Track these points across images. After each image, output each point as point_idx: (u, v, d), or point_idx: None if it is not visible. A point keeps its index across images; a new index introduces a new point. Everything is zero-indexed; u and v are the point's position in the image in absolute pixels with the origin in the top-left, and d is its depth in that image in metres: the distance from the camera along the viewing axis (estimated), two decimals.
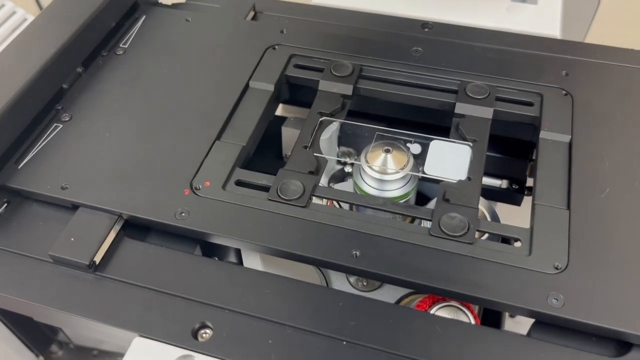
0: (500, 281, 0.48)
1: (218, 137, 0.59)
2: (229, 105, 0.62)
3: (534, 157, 0.66)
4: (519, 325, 0.58)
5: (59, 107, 0.63)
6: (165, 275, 0.51)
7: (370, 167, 0.57)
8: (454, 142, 0.58)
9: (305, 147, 0.59)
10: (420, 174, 0.57)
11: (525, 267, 0.49)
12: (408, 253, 0.50)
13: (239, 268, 0.54)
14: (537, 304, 0.46)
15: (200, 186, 0.55)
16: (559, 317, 0.46)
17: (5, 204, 0.57)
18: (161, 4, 0.79)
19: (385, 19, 0.74)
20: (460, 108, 0.62)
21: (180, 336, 0.47)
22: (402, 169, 0.57)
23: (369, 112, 0.69)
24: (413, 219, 0.60)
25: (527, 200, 0.70)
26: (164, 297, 0.49)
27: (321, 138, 0.60)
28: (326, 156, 0.59)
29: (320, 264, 0.54)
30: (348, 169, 0.69)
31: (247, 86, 0.65)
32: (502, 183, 0.70)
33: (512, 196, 0.70)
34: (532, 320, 0.48)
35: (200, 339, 0.47)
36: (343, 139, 0.68)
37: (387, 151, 0.57)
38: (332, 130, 0.62)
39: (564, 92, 0.63)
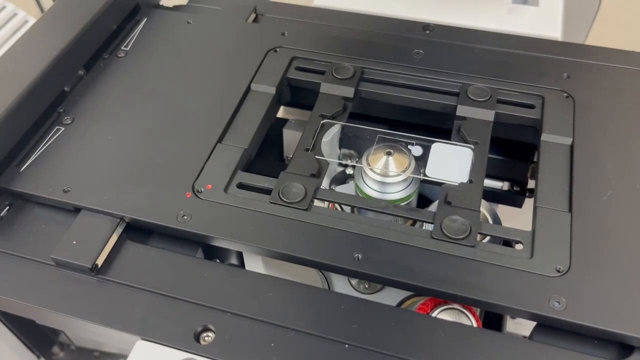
0: (502, 284, 0.48)
1: (220, 140, 0.59)
2: (231, 108, 0.62)
3: (535, 160, 0.66)
4: (519, 325, 0.58)
5: (61, 110, 0.63)
6: (167, 278, 0.51)
7: (371, 169, 0.57)
8: (456, 144, 0.58)
9: (307, 149, 0.59)
10: (421, 177, 0.57)
11: (527, 270, 0.49)
12: (410, 256, 0.50)
13: (241, 271, 0.54)
14: (539, 307, 0.46)
15: (202, 189, 0.55)
16: (560, 320, 0.46)
17: (7, 207, 0.57)
18: (162, 6, 0.79)
19: (386, 21, 0.74)
20: (462, 110, 0.62)
21: (183, 339, 0.47)
22: (403, 171, 0.57)
23: (371, 114, 0.69)
24: (415, 222, 0.60)
25: (528, 202, 0.70)
26: (166, 300, 0.49)
27: (323, 140, 0.60)
28: (328, 159, 0.59)
29: (322, 267, 0.54)
30: (349, 171, 0.69)
31: (248, 89, 0.65)
32: (503, 185, 0.70)
33: (513, 198, 0.70)
34: (532, 322, 0.48)
35: (202, 342, 0.47)
36: (344, 141, 0.68)
37: (389, 154, 0.57)
38: (333, 132, 0.62)
39: (565, 94, 0.63)
